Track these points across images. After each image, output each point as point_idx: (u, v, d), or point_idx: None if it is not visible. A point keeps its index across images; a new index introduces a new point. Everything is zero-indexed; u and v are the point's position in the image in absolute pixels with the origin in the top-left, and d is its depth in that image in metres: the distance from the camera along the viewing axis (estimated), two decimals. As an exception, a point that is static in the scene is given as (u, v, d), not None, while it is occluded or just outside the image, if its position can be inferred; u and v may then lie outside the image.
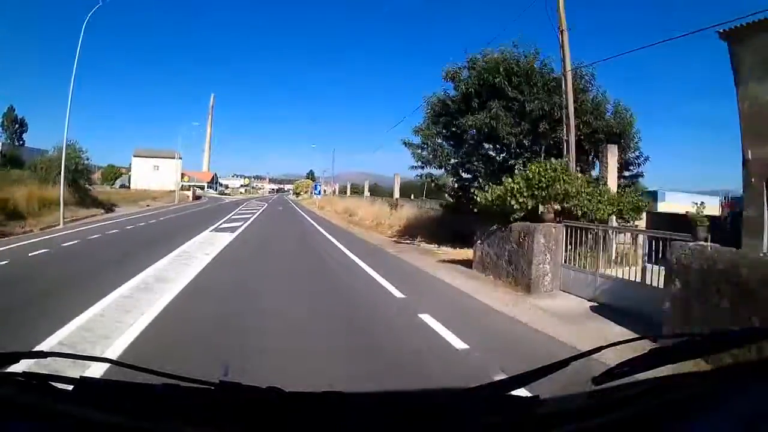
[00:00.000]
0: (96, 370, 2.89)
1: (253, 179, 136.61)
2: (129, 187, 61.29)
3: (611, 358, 1.14)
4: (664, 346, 0.85)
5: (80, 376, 0.85)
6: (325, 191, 78.43)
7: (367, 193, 37.87)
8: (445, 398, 0.90)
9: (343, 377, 3.41)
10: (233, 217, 24.15)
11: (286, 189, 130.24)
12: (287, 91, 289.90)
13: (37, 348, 3.78)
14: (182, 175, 72.73)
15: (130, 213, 25.99)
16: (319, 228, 19.59)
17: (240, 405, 0.77)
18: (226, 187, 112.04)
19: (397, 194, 25.57)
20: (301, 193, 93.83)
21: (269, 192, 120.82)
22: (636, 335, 2.84)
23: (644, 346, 0.90)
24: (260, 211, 32.17)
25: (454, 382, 3.62)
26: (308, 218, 26.51)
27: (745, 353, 2.54)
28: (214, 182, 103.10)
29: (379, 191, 43.01)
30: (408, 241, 14.99)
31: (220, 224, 18.93)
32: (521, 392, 0.96)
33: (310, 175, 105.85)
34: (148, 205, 35.00)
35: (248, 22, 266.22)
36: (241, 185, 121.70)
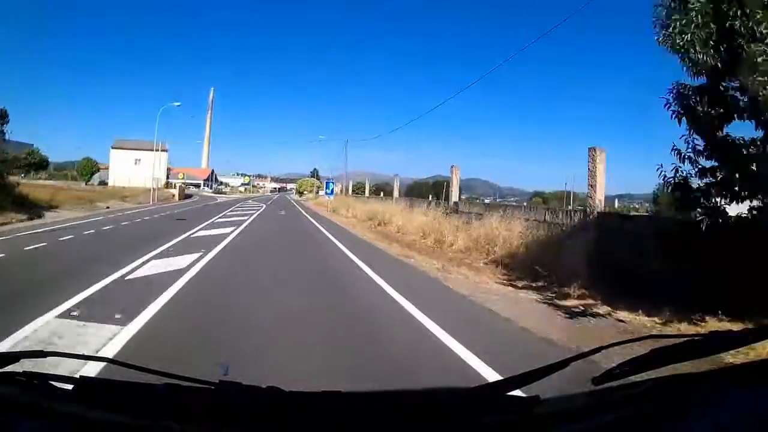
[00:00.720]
0: (96, 370, 2.90)
1: (254, 178, 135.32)
2: (107, 184, 54.74)
3: (611, 358, 1.14)
4: (664, 346, 0.85)
5: (80, 376, 0.85)
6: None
7: (396, 193, 29.04)
8: (445, 398, 0.90)
9: None
10: (198, 235, 13.66)
11: (288, 188, 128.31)
12: (290, 90, 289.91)
13: None
14: (169, 170, 65.91)
15: (62, 220, 16.70)
16: (351, 256, 10.67)
17: (240, 405, 0.77)
18: (226, 185, 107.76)
19: (455, 197, 17.98)
20: (305, 192, 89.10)
21: (271, 191, 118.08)
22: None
23: (644, 346, 0.90)
24: (254, 216, 23.50)
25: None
26: (325, 231, 17.23)
27: (745, 353, 2.55)
28: (210, 180, 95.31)
29: (389, 191, 36.37)
30: (576, 305, 6.62)
31: (154, 255, 9.15)
32: (521, 392, 0.96)
33: (314, 174, 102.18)
34: (107, 207, 26.30)
35: (247, 19, 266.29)
36: (242, 184, 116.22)
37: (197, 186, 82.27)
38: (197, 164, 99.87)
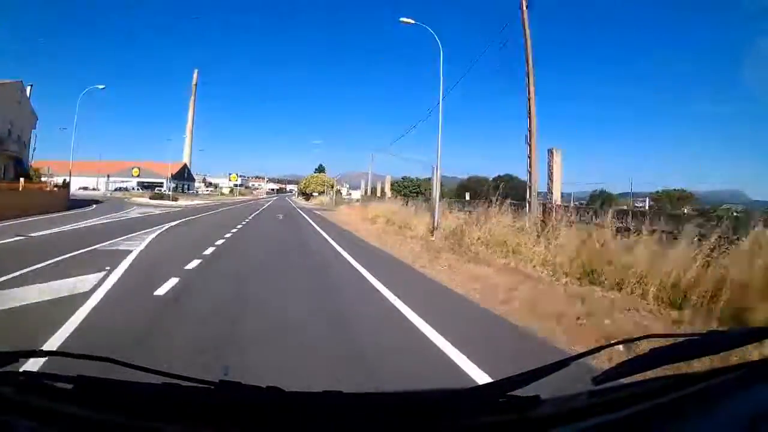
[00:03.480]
0: (95, 370, 2.88)
1: (250, 178, 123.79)
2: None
3: (611, 358, 1.14)
4: (664, 346, 0.85)
5: (79, 376, 0.85)
6: (356, 197, 49.98)
7: (436, 193, 15.81)
8: (445, 398, 0.90)
9: None
10: None
11: (288, 189, 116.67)
12: (290, 89, 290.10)
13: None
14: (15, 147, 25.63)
15: None
16: None
17: (240, 405, 0.77)
18: (215, 186, 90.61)
19: (558, 195, 12.01)
20: (314, 193, 67.97)
21: (267, 193, 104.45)
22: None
23: (644, 346, 0.90)
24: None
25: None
26: None
27: (745, 353, 2.55)
28: (174, 177, 60.08)
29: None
30: None
31: None
32: (521, 392, 0.96)
33: (321, 169, 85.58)
34: None
35: (243, 20, 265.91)
36: (234, 185, 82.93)
37: (155, 187, 57.13)
38: (178, 156, 73.55)
